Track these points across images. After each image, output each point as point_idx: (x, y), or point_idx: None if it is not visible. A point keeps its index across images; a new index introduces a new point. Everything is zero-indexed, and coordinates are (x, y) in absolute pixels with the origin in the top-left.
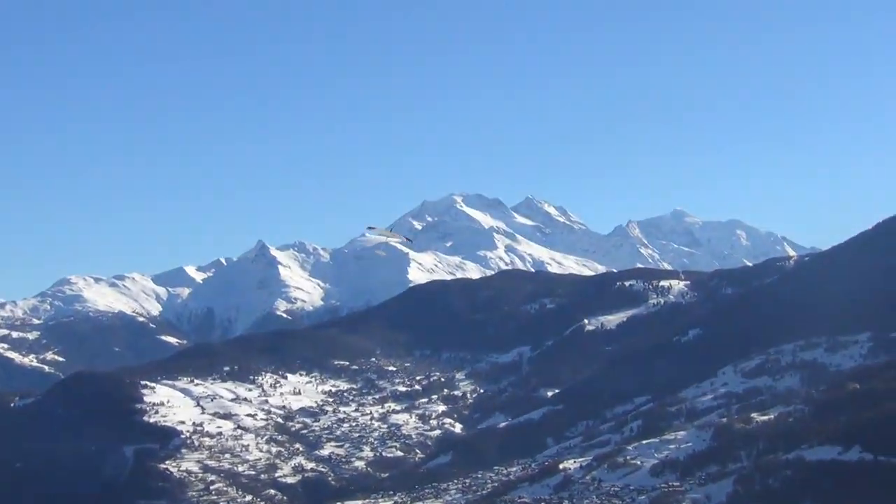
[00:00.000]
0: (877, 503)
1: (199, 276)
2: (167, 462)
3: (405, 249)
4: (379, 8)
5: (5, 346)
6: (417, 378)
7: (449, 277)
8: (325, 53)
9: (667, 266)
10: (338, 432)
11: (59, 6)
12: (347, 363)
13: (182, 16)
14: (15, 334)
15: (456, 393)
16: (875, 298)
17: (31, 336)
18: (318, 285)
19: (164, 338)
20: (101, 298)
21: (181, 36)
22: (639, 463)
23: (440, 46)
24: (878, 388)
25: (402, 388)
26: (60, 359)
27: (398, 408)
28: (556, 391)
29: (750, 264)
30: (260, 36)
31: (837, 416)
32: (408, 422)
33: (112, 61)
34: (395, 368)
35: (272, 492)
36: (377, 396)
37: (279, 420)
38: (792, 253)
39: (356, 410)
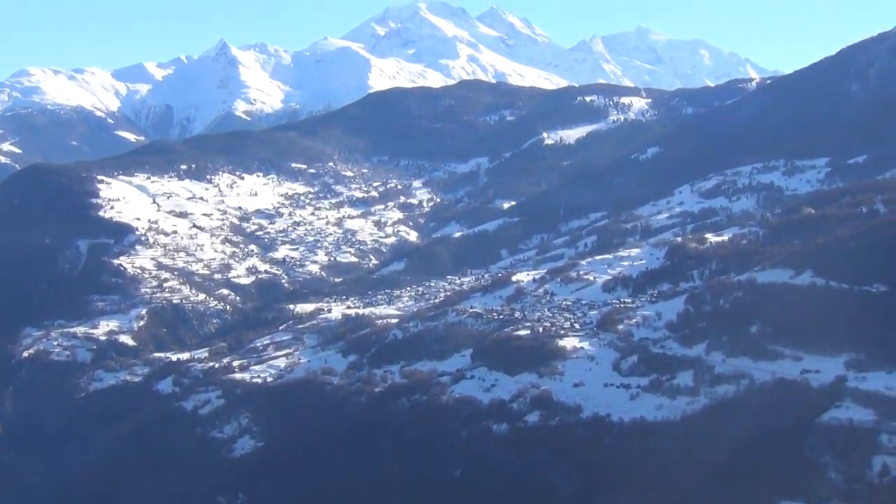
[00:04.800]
0: (825, 327)
1: (159, 73)
2: (121, 258)
3: (367, 55)
4: None
5: None
6: (374, 184)
7: (410, 85)
8: None
9: (629, 83)
10: (293, 235)
11: None
12: (305, 166)
13: None
14: None
15: (412, 201)
16: (834, 124)
17: None
18: (279, 87)
19: (121, 133)
20: (60, 91)
21: None
22: (591, 278)
23: None
24: (832, 214)
25: (358, 194)
26: (17, 150)
27: (354, 213)
28: (513, 203)
29: (712, 84)
30: None
31: (791, 239)
32: (363, 228)
33: None
34: (352, 174)
35: (225, 291)
36: (333, 201)
37: (235, 221)
38: (754, 75)
39: (312, 214)
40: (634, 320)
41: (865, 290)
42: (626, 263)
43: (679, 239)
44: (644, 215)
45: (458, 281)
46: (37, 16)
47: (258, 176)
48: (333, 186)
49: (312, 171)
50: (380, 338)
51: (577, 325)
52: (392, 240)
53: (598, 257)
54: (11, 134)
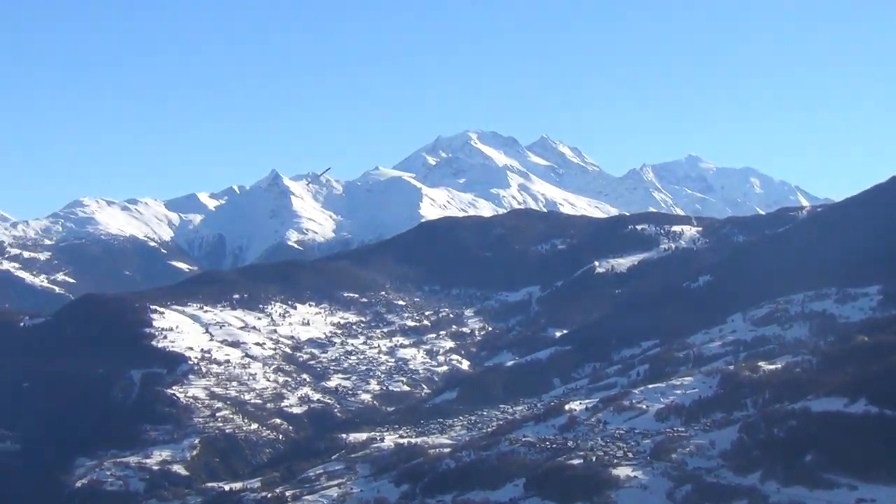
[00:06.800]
0: (881, 456)
1: (211, 203)
2: (174, 387)
3: (418, 184)
4: None
5: (17, 265)
6: (426, 313)
7: (461, 214)
8: None
9: (679, 211)
10: (345, 364)
11: None
12: (357, 296)
13: None
14: (27, 254)
15: (464, 330)
16: (887, 251)
17: (43, 256)
18: (331, 217)
19: (174, 263)
20: (114, 221)
21: None
22: (644, 407)
23: None
24: (886, 342)
25: (410, 323)
26: (71, 280)
27: (406, 342)
28: (565, 332)
29: (763, 212)
30: None
31: (845, 367)
32: (415, 357)
33: None
34: (404, 303)
35: (278, 421)
36: (385, 330)
37: (287, 350)
38: (805, 203)
39: (364, 343)
40: (688, 449)
41: None
42: (678, 392)
43: (732, 367)
44: (696, 343)
45: (510, 410)
46: (91, 147)
47: (310, 305)
48: (385, 315)
49: (364, 300)
50: (432, 467)
51: (630, 454)
52: (444, 369)
53: (650, 386)
54: (66, 264)
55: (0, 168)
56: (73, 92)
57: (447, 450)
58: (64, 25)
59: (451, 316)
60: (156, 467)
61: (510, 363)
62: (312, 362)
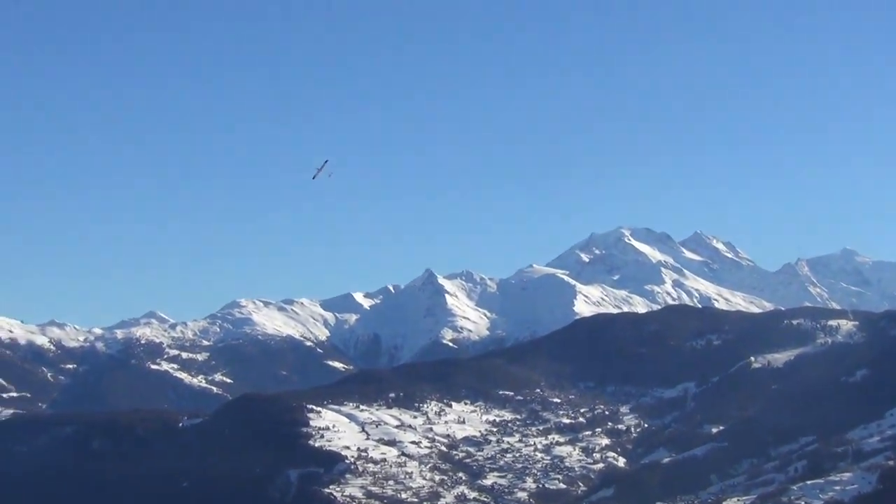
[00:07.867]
0: None
1: (366, 303)
2: (331, 487)
3: (572, 281)
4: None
5: (175, 366)
6: (581, 410)
7: (615, 311)
8: (498, 76)
9: (835, 305)
10: (501, 462)
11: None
12: (512, 393)
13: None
14: (185, 355)
15: (620, 427)
16: None
17: (201, 357)
18: (485, 315)
19: (330, 363)
20: (270, 322)
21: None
22: (803, 503)
23: (612, 79)
24: None
25: (566, 420)
26: (228, 380)
27: (562, 440)
28: (721, 428)
29: None
30: (416, 49)
31: None
32: (571, 454)
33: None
34: (559, 400)
35: None
36: (541, 427)
37: (443, 448)
38: None
39: (520, 441)
40: None
41: None
42: (838, 488)
43: (891, 462)
44: (855, 439)
45: None
46: (248, 249)
47: (466, 403)
48: (541, 413)
49: (520, 397)
50: None
51: None
52: (600, 466)
53: (809, 482)
54: (223, 365)
55: (159, 271)
56: (229, 195)
57: None
58: (223, 137)
59: (607, 413)
60: None
61: (666, 460)
62: (468, 460)
